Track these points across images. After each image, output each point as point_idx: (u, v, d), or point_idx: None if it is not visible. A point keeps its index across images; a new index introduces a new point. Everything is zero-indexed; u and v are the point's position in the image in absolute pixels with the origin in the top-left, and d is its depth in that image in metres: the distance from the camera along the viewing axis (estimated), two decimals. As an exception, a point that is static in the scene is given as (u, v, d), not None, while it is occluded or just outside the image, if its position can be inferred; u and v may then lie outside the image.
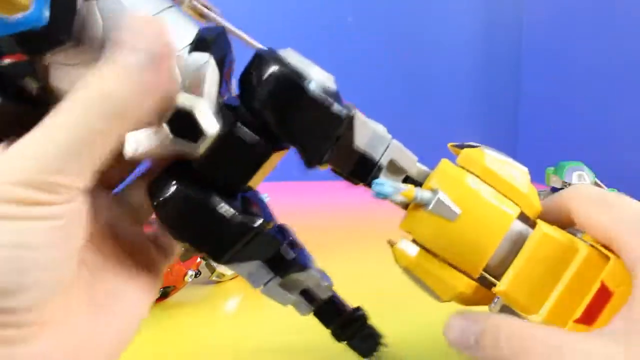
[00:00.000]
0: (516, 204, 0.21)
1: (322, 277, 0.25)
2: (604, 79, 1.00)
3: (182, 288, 0.41)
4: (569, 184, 0.53)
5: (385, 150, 0.22)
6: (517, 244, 0.21)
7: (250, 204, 0.21)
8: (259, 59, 0.19)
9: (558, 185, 0.54)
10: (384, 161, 0.22)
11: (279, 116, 0.19)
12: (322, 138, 0.20)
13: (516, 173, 0.22)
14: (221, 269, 0.45)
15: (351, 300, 0.42)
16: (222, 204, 0.19)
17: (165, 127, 0.17)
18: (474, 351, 0.19)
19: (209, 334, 0.36)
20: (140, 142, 0.17)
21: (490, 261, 0.21)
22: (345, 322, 0.26)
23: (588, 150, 0.96)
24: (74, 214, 0.15)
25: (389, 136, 0.22)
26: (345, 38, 1.15)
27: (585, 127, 1.01)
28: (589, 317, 0.20)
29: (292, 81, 0.19)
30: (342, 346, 0.28)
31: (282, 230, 0.23)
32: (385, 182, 0.20)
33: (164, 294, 0.40)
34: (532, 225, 0.22)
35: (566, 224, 0.22)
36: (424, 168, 0.23)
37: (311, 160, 0.20)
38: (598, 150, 0.95)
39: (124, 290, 0.19)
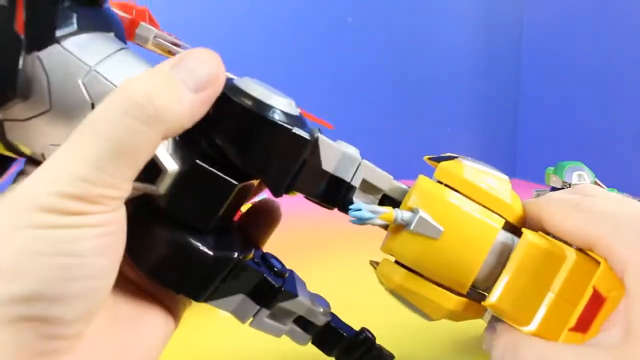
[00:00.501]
0: (499, 215, 0.21)
1: (315, 302, 0.24)
2: (604, 79, 1.00)
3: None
4: (569, 184, 0.53)
5: (356, 171, 0.21)
6: (503, 255, 0.21)
7: (227, 235, 0.21)
8: (230, 87, 0.19)
9: (558, 185, 0.54)
10: (355, 182, 0.21)
11: (241, 149, 0.19)
12: (285, 166, 0.20)
13: (497, 183, 0.21)
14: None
15: (353, 299, 0.42)
16: (193, 242, 0.19)
17: None
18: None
19: (208, 335, 0.36)
20: None
21: (478, 275, 0.21)
22: (348, 347, 0.25)
23: (588, 150, 0.96)
24: (117, 223, 0.15)
25: (359, 157, 0.21)
26: (345, 38, 1.14)
27: (585, 127, 1.01)
28: (583, 325, 0.19)
29: (254, 114, 0.18)
30: None
31: (265, 258, 0.23)
32: (362, 207, 0.20)
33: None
34: (518, 233, 0.21)
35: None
36: (400, 185, 0.22)
37: (276, 189, 0.20)
38: (598, 150, 0.95)
39: (145, 312, 0.19)
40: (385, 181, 0.22)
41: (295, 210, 0.71)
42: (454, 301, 0.21)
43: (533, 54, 1.23)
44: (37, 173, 0.14)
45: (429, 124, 1.19)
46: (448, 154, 0.22)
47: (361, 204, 0.21)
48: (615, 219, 0.19)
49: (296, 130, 0.19)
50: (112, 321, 0.18)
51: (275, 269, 0.22)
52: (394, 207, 0.21)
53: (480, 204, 0.21)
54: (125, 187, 0.15)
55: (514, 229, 0.22)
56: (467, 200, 0.21)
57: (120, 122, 0.14)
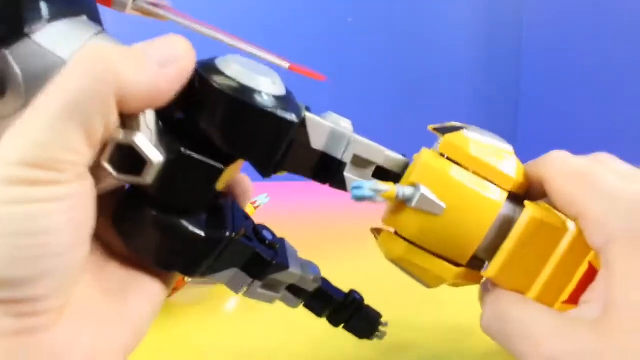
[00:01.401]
0: (503, 189, 0.21)
1: (306, 270, 0.25)
2: (604, 78, 1.00)
3: (182, 288, 0.41)
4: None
5: (346, 147, 0.21)
6: (505, 226, 0.21)
7: (218, 213, 0.21)
8: (200, 77, 0.18)
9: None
10: (346, 158, 0.21)
11: (225, 135, 0.19)
12: (272, 148, 0.20)
13: (501, 155, 0.21)
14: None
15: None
16: (186, 224, 0.19)
17: (106, 165, 0.16)
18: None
19: (208, 334, 0.36)
20: None
21: (479, 247, 0.21)
22: (337, 309, 0.27)
23: (588, 149, 0.96)
24: (81, 194, 0.15)
25: (349, 132, 0.21)
26: (345, 38, 1.14)
27: (585, 127, 1.01)
28: (576, 298, 0.20)
29: (237, 100, 0.18)
30: (344, 345, 0.28)
31: (257, 231, 0.23)
32: (363, 185, 0.20)
33: (164, 294, 0.40)
34: (522, 203, 0.21)
35: (541, 195, 0.22)
36: (394, 156, 0.22)
37: (264, 170, 0.20)
38: (598, 149, 0.95)
39: (135, 281, 0.19)
40: (378, 154, 0.22)
41: (297, 210, 0.71)
42: (453, 272, 0.21)
43: (533, 54, 1.23)
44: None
45: (428, 123, 1.19)
46: (452, 124, 0.22)
47: (362, 182, 0.21)
48: (611, 194, 0.19)
49: (280, 113, 0.19)
50: (99, 292, 0.17)
51: (267, 241, 0.23)
52: (388, 178, 0.21)
53: (484, 177, 0.21)
54: (82, 150, 0.14)
55: (517, 198, 0.21)
56: (470, 175, 0.20)
57: (77, 82, 0.14)
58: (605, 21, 1.01)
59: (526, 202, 0.21)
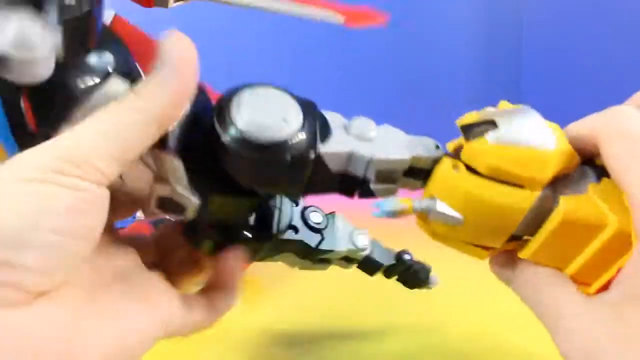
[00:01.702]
0: (532, 189, 0.20)
1: (354, 243, 0.28)
2: (604, 79, 1.00)
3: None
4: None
5: (367, 166, 0.21)
6: (542, 211, 0.20)
7: (266, 212, 0.24)
8: (223, 119, 0.19)
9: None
10: (369, 175, 0.21)
11: (248, 182, 0.20)
12: (293, 183, 0.21)
13: (529, 155, 0.20)
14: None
15: (351, 294, 0.42)
16: (236, 231, 0.23)
17: (156, 211, 0.20)
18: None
19: (209, 334, 0.36)
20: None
21: (511, 234, 0.21)
22: (387, 269, 0.31)
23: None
24: (96, 195, 0.17)
25: (369, 153, 0.21)
26: (345, 38, 1.14)
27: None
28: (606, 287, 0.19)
29: (252, 159, 0.19)
30: (343, 344, 0.28)
31: (305, 217, 0.26)
32: (381, 205, 0.20)
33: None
34: (559, 190, 0.21)
35: (594, 155, 0.21)
36: (422, 155, 0.22)
37: (292, 200, 0.24)
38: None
39: (132, 304, 0.20)
40: (402, 164, 0.22)
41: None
42: (486, 255, 0.23)
43: (533, 54, 1.23)
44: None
45: (428, 123, 1.19)
46: (484, 116, 0.21)
47: (381, 202, 0.21)
48: None
49: (294, 157, 0.19)
50: (90, 295, 0.18)
51: (313, 226, 0.26)
52: (420, 175, 0.22)
53: (508, 183, 0.20)
54: (112, 165, 0.17)
55: (553, 185, 0.21)
56: (491, 185, 0.20)
57: (124, 117, 0.17)
58: (605, 21, 1.01)
59: (561, 198, 0.20)
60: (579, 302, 0.19)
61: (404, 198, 0.21)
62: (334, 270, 0.49)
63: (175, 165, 0.19)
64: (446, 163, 0.21)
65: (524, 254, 0.21)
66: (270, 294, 0.45)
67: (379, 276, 0.44)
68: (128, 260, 0.22)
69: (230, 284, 0.24)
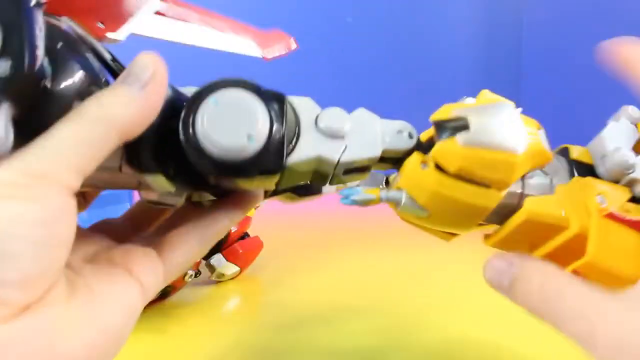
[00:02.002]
0: (499, 189, 0.20)
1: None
2: (604, 79, 1.00)
3: (182, 288, 0.41)
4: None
5: (336, 166, 0.21)
6: (506, 206, 0.21)
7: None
8: (186, 130, 0.19)
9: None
10: (338, 172, 0.22)
11: (217, 186, 0.21)
12: (265, 189, 0.22)
13: (498, 159, 0.20)
14: (221, 269, 0.45)
15: (350, 294, 0.42)
16: None
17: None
18: (507, 294, 0.20)
19: (209, 334, 0.36)
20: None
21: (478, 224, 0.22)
22: None
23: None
24: (61, 204, 0.17)
25: (336, 156, 0.21)
26: (345, 38, 1.14)
27: (586, 127, 1.01)
28: None
29: (231, 172, 0.19)
30: (343, 345, 0.28)
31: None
32: (349, 194, 0.21)
33: (164, 294, 0.40)
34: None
35: None
36: (393, 147, 0.22)
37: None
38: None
39: (107, 286, 0.20)
40: (370, 160, 0.22)
41: (298, 210, 0.71)
42: (452, 238, 0.23)
43: (533, 54, 1.23)
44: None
45: (428, 122, 1.19)
46: (457, 112, 0.21)
47: (349, 190, 0.21)
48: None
49: (263, 171, 0.19)
50: (70, 292, 0.18)
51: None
52: (391, 161, 0.22)
53: (476, 182, 0.20)
54: (72, 176, 0.17)
55: (526, 175, 0.22)
56: (458, 185, 0.20)
57: (81, 128, 0.17)
58: (605, 21, 1.01)
59: (526, 200, 0.21)
60: (602, 299, 0.18)
61: (372, 189, 0.21)
62: (334, 270, 0.49)
63: (157, 182, 0.20)
64: (415, 159, 0.21)
65: (487, 242, 0.22)
66: (271, 294, 0.45)
67: (379, 276, 0.44)
68: (98, 244, 0.22)
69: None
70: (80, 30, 0.20)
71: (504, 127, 0.20)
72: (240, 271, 0.46)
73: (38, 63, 0.16)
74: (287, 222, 0.65)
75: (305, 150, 0.20)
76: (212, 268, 0.45)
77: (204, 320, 0.38)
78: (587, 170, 0.22)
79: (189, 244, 0.23)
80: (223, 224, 0.23)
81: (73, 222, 0.17)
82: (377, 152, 0.21)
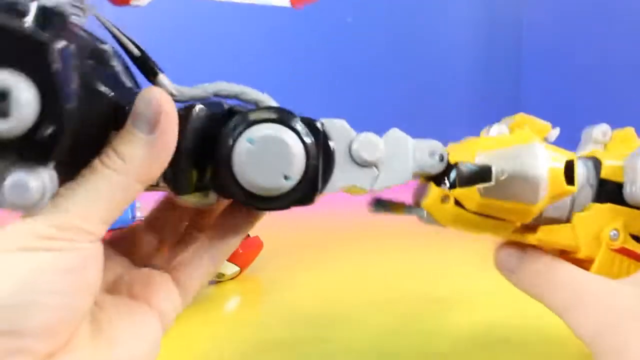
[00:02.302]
0: (515, 223, 0.22)
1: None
2: (605, 79, 1.00)
3: (182, 288, 0.41)
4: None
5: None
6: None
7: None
8: (225, 170, 0.19)
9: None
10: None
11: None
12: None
13: (519, 203, 0.21)
14: (221, 269, 0.45)
15: (350, 294, 0.42)
16: None
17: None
18: (514, 279, 0.22)
19: (209, 334, 0.36)
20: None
21: None
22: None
23: (588, 150, 0.96)
24: (89, 252, 0.17)
25: (367, 187, 0.21)
26: (345, 38, 1.14)
27: (585, 127, 1.01)
28: None
29: (269, 206, 0.20)
30: (343, 345, 0.28)
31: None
32: (377, 204, 0.22)
33: (164, 294, 0.40)
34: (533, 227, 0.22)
35: None
36: (422, 171, 0.22)
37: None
38: (598, 150, 0.95)
39: (127, 320, 0.20)
40: (400, 184, 0.22)
41: (298, 210, 0.71)
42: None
43: (533, 54, 1.23)
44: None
45: (428, 123, 1.19)
46: (479, 162, 0.21)
47: (377, 200, 0.22)
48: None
49: (297, 202, 0.20)
50: (90, 334, 0.18)
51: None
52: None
53: (494, 217, 0.21)
54: (99, 226, 0.18)
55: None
56: (477, 218, 0.21)
57: (102, 176, 0.18)
58: (605, 21, 1.01)
59: (539, 229, 0.22)
60: (601, 282, 0.20)
61: (398, 203, 0.22)
62: (334, 270, 0.49)
63: (190, 200, 0.20)
64: (435, 194, 0.21)
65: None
66: (271, 294, 0.45)
67: (379, 276, 0.44)
68: (117, 268, 0.22)
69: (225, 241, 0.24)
70: (107, 23, 0.20)
71: (525, 179, 0.21)
72: (240, 271, 0.46)
73: (74, 105, 0.16)
74: (287, 222, 0.65)
75: (340, 182, 0.21)
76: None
77: (204, 320, 0.38)
78: (613, 190, 0.23)
79: (202, 269, 0.23)
80: (233, 242, 0.23)
81: (99, 267, 0.18)
82: (408, 178, 0.22)
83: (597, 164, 0.23)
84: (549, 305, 0.21)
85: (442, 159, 0.22)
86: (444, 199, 0.21)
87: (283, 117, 0.19)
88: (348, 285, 0.45)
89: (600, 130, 0.28)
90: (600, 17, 1.02)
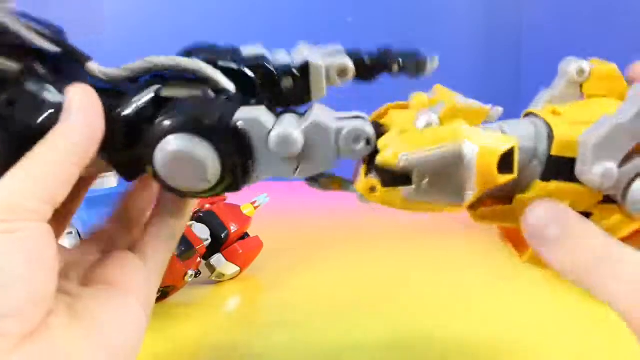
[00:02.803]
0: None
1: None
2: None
3: (182, 288, 0.41)
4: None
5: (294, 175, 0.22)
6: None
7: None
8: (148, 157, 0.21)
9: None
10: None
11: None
12: None
13: (444, 204, 0.20)
14: (221, 269, 0.45)
15: (350, 294, 0.42)
16: None
17: None
18: (547, 246, 0.19)
19: (208, 334, 0.36)
20: None
21: None
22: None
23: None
24: (38, 232, 0.18)
25: (290, 176, 0.21)
26: (345, 38, 1.14)
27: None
28: None
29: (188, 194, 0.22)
30: (343, 344, 0.28)
31: None
32: (311, 181, 0.23)
33: (164, 294, 0.40)
34: None
35: None
36: (348, 155, 0.22)
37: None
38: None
39: (108, 308, 0.20)
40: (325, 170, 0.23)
41: (298, 210, 0.71)
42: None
43: (533, 54, 1.23)
44: None
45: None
46: (401, 165, 0.20)
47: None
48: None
49: (221, 192, 0.22)
50: (72, 317, 0.19)
51: None
52: None
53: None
54: (42, 206, 0.18)
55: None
56: (410, 205, 0.20)
57: (40, 153, 0.19)
58: (605, 22, 1.01)
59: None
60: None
61: (334, 178, 0.23)
62: (334, 270, 0.50)
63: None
64: (364, 186, 0.21)
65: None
66: (271, 293, 0.45)
67: (380, 276, 0.44)
68: (88, 261, 0.23)
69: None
70: (22, 31, 0.21)
71: (449, 183, 0.19)
72: (240, 271, 0.46)
73: None
74: (287, 222, 0.65)
75: (263, 173, 0.21)
76: (212, 268, 0.45)
77: (204, 320, 0.38)
78: (563, 165, 0.20)
79: (163, 244, 0.24)
80: (185, 219, 0.25)
81: (53, 247, 0.18)
82: (330, 166, 0.22)
83: (550, 134, 0.20)
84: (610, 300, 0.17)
85: (368, 142, 0.21)
86: (372, 189, 0.21)
87: (197, 125, 0.20)
88: (349, 285, 0.45)
89: (577, 67, 0.23)
90: (601, 17, 1.03)
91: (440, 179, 0.19)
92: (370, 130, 0.21)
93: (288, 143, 0.20)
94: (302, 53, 0.26)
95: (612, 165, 0.19)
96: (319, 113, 0.21)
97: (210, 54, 0.23)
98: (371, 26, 1.26)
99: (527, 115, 0.24)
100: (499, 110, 0.25)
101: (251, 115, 0.20)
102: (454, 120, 0.21)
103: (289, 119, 0.21)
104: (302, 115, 0.22)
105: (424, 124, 0.21)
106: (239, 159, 0.20)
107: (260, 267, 0.48)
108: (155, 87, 0.21)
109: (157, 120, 0.20)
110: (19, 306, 0.17)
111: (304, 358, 0.32)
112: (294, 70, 0.24)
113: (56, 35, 0.22)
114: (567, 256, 0.18)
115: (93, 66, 0.22)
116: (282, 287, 0.45)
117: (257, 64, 0.24)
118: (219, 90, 0.22)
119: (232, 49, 0.24)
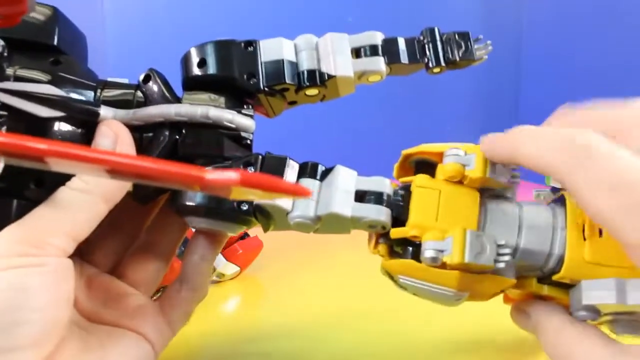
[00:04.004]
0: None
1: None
2: (604, 79, 1.00)
3: (182, 288, 0.41)
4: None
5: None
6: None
7: None
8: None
9: (558, 185, 0.54)
10: None
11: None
12: None
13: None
14: (221, 269, 0.45)
15: (350, 294, 0.42)
16: None
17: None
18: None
19: (208, 334, 0.36)
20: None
21: None
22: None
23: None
24: (60, 267, 0.19)
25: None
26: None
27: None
28: None
29: None
30: (343, 345, 0.28)
31: None
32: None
33: (164, 294, 0.40)
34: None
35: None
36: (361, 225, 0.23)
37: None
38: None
39: (115, 339, 0.22)
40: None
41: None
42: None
43: (533, 54, 1.23)
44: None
45: (428, 124, 1.19)
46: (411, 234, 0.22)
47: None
48: (616, 186, 0.16)
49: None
50: (83, 350, 0.20)
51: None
52: None
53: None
54: (67, 242, 0.19)
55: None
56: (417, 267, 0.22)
57: (69, 196, 0.20)
58: (605, 22, 1.01)
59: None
60: (605, 346, 0.19)
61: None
62: (334, 270, 0.50)
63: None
64: (373, 252, 0.24)
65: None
66: (271, 294, 0.45)
67: (380, 277, 0.43)
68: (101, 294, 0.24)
69: (196, 278, 0.26)
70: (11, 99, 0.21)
71: (437, 299, 0.23)
72: (240, 271, 0.46)
73: None
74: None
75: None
76: (212, 268, 0.45)
77: (204, 320, 0.38)
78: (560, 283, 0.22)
79: (183, 300, 0.26)
80: (207, 265, 0.26)
81: (71, 279, 0.19)
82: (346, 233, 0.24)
83: (562, 257, 0.22)
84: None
85: (383, 228, 0.22)
86: (379, 254, 0.25)
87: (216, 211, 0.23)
88: (349, 286, 0.45)
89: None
90: (601, 17, 1.02)
91: (432, 296, 0.23)
92: (386, 219, 0.22)
93: (306, 226, 0.22)
94: (329, 56, 0.25)
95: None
96: (336, 195, 0.22)
97: (230, 80, 0.23)
98: (371, 26, 1.25)
99: (560, 198, 0.23)
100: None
101: (279, 156, 0.22)
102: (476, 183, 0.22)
103: (305, 200, 0.22)
104: (323, 173, 0.23)
105: (429, 261, 0.21)
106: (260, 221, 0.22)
107: (260, 267, 0.48)
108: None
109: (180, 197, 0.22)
110: (37, 338, 0.17)
111: (304, 358, 0.32)
112: (319, 81, 0.24)
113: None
114: None
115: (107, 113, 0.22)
116: (282, 287, 0.45)
117: (279, 82, 0.24)
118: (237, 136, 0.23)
119: (251, 54, 0.24)
